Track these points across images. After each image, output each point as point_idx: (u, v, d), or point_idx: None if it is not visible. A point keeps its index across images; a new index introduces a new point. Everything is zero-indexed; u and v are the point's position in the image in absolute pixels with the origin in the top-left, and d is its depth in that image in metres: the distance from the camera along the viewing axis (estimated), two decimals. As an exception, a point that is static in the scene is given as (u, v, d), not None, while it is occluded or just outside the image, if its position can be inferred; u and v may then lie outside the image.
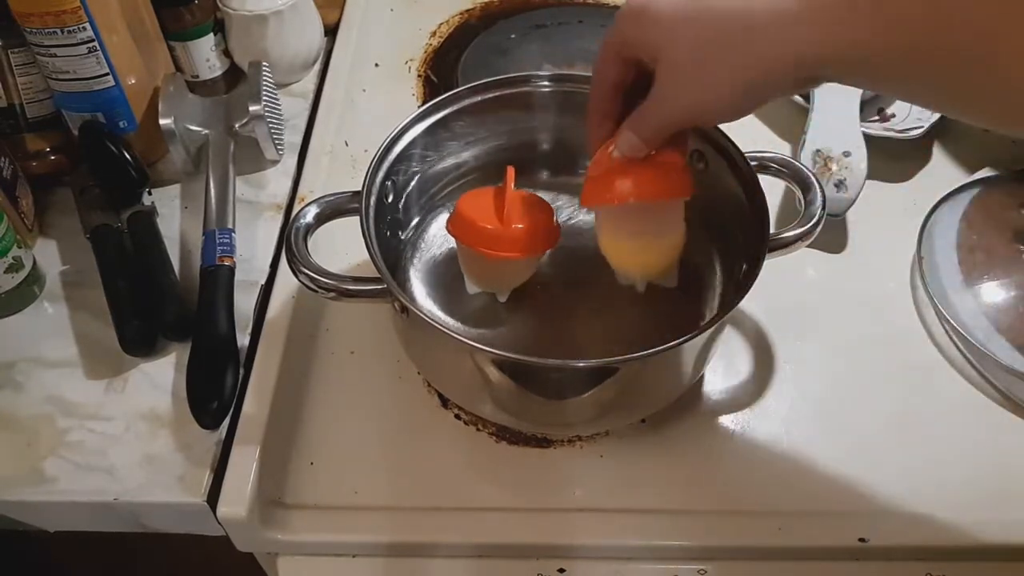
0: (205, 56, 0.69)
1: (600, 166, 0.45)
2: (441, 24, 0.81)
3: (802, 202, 0.50)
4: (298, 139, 0.70)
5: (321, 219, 0.49)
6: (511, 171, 0.50)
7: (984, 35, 0.31)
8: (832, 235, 0.62)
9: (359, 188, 0.49)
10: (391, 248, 0.54)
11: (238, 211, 0.61)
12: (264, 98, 0.64)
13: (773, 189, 0.59)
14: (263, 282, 0.59)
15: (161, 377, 0.54)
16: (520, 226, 0.48)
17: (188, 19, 0.67)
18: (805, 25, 0.34)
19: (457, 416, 0.53)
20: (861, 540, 0.47)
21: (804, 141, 0.63)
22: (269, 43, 0.70)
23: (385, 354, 0.55)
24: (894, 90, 0.40)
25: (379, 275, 0.45)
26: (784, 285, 0.58)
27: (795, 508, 0.49)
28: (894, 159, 0.66)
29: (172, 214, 0.64)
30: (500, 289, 0.52)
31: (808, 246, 0.49)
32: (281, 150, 0.67)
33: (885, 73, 0.35)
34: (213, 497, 0.48)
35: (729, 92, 0.38)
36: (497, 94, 0.55)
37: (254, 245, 0.61)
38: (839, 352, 0.56)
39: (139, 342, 0.54)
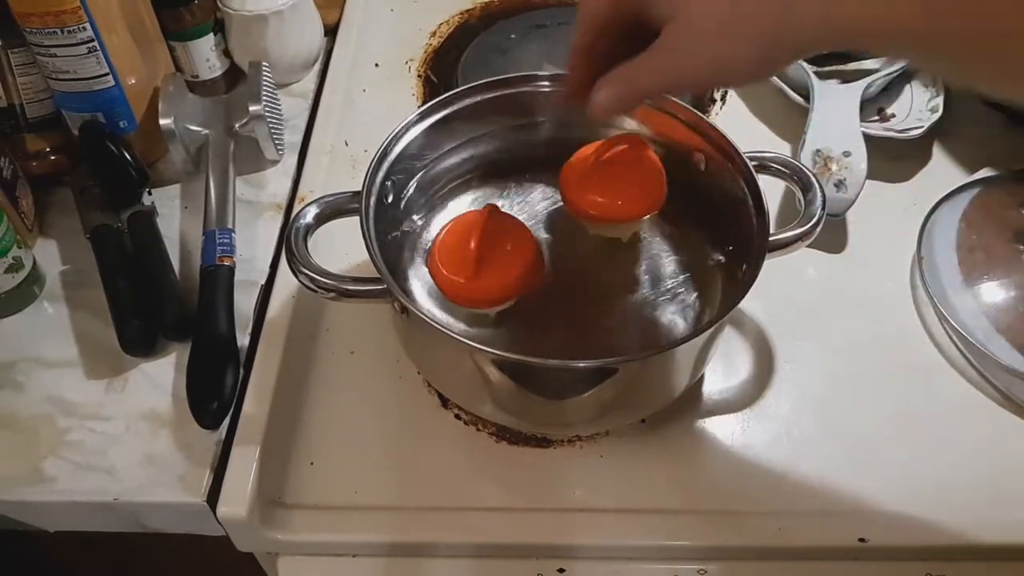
0: (205, 56, 0.69)
1: (590, 185, 0.50)
2: (441, 24, 0.81)
3: (802, 202, 0.50)
4: (298, 139, 0.70)
5: (321, 219, 0.49)
6: (487, 212, 0.48)
7: None
8: (832, 235, 0.62)
9: (359, 188, 0.49)
10: (391, 248, 0.54)
11: (238, 211, 0.61)
12: (264, 98, 0.64)
13: (773, 189, 0.59)
14: (263, 282, 0.59)
15: (161, 377, 0.54)
16: (491, 277, 0.47)
17: (188, 19, 0.67)
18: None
19: (457, 416, 0.53)
20: (861, 540, 0.47)
21: (804, 141, 0.63)
22: (269, 43, 0.70)
23: (385, 354, 0.55)
24: (938, 71, 0.37)
25: (379, 275, 0.45)
26: (784, 285, 0.58)
27: (795, 508, 0.49)
28: (894, 159, 0.66)
29: (172, 214, 0.64)
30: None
31: (808, 246, 0.49)
32: (281, 150, 0.67)
33: (929, 52, 0.33)
34: (213, 497, 0.48)
35: (756, 56, 0.35)
36: (497, 94, 0.55)
37: (254, 245, 0.61)
38: (839, 352, 0.56)
39: (139, 342, 0.54)
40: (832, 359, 0.56)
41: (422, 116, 0.53)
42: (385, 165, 0.51)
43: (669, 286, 0.54)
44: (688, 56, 0.36)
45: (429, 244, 0.56)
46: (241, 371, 0.53)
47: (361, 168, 0.50)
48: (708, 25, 0.34)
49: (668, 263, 0.55)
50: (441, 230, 0.50)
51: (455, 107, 0.55)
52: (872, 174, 0.61)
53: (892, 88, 0.70)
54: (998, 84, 0.34)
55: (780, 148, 0.67)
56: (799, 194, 0.50)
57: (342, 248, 0.59)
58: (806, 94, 0.67)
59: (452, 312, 0.53)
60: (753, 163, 0.50)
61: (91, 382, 0.54)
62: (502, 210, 0.51)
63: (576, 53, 0.40)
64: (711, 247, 0.55)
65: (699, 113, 0.53)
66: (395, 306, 0.47)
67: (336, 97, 0.71)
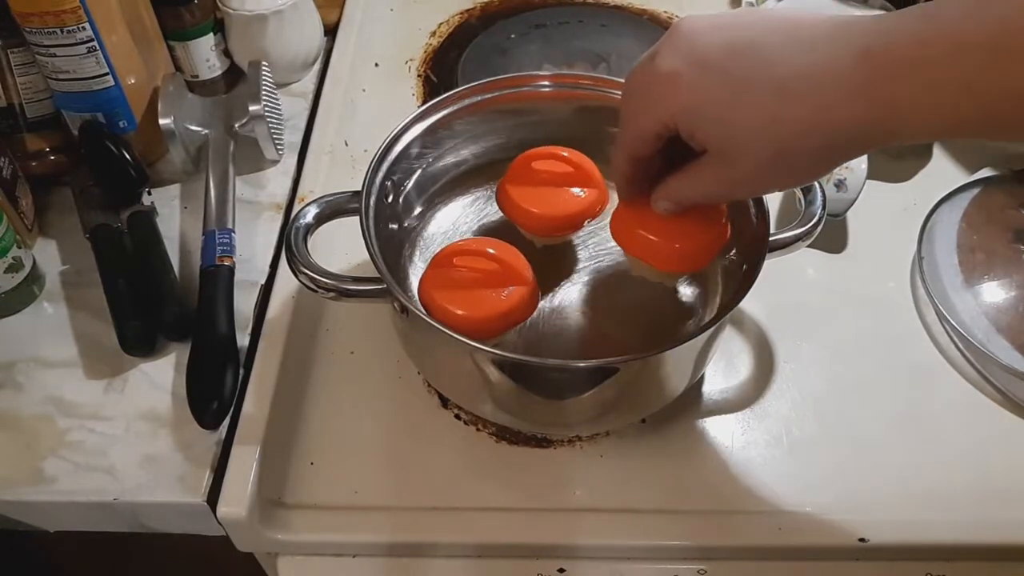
0: (205, 56, 0.69)
1: (652, 226, 0.46)
2: (441, 24, 0.81)
3: (802, 202, 0.50)
4: (298, 139, 0.70)
5: (321, 219, 0.49)
6: (483, 244, 0.48)
7: None
8: (832, 235, 0.62)
9: (359, 188, 0.49)
10: (391, 248, 0.54)
11: (238, 211, 0.61)
12: (264, 98, 0.64)
13: (773, 189, 0.59)
14: (263, 282, 0.59)
15: (161, 377, 0.54)
16: (483, 311, 0.46)
17: (188, 19, 0.67)
18: (876, 121, 0.34)
19: (457, 416, 0.53)
20: (861, 540, 0.47)
21: (804, 141, 0.63)
22: (269, 43, 0.70)
23: (385, 354, 0.55)
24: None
25: (379, 275, 0.45)
26: (784, 285, 0.58)
27: (795, 508, 0.49)
28: (894, 159, 0.66)
29: (172, 214, 0.64)
30: None
31: (808, 246, 0.49)
32: (281, 150, 0.67)
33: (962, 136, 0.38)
34: (213, 497, 0.48)
35: (794, 183, 0.41)
36: (497, 94, 0.55)
37: (254, 245, 0.61)
38: (839, 352, 0.56)
39: (139, 342, 0.54)
40: (832, 359, 0.56)
41: (422, 116, 0.53)
42: (385, 165, 0.51)
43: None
44: (725, 187, 0.40)
45: (427, 254, 0.56)
46: (241, 371, 0.53)
47: (361, 168, 0.50)
48: (748, 164, 0.37)
49: (668, 263, 0.55)
50: (432, 261, 0.49)
51: (455, 107, 0.55)
52: (872, 174, 0.61)
53: (892, 88, 0.70)
54: None
55: (780, 148, 0.67)
56: (799, 194, 0.50)
57: (342, 248, 0.59)
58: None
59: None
60: (753, 163, 0.50)
61: (91, 382, 0.54)
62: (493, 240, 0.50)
63: (625, 184, 0.44)
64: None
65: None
66: (395, 306, 0.47)
67: (336, 97, 0.71)
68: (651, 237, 0.46)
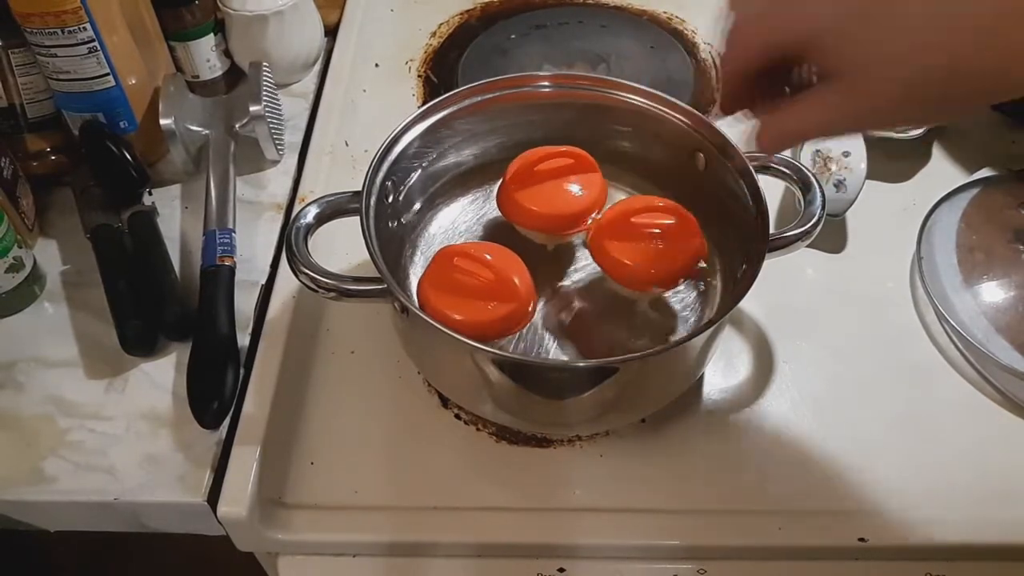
0: (205, 56, 0.70)
1: (626, 247, 0.47)
2: (441, 24, 0.81)
3: (802, 202, 0.50)
4: (298, 139, 0.70)
5: (321, 219, 0.49)
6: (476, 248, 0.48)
7: None
8: (832, 235, 0.62)
9: (359, 188, 0.49)
10: (391, 248, 0.54)
11: (238, 211, 0.61)
12: (264, 98, 0.64)
13: (773, 189, 0.59)
14: (263, 282, 0.59)
15: (161, 377, 0.54)
16: (475, 318, 0.46)
17: (188, 19, 0.67)
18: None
19: (457, 416, 0.53)
20: (861, 540, 0.47)
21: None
22: (269, 43, 0.70)
23: (385, 354, 0.56)
24: None
25: (379, 275, 0.45)
26: (784, 285, 0.58)
27: (795, 508, 0.49)
28: (893, 159, 0.66)
29: (172, 214, 0.64)
30: None
31: (808, 246, 0.49)
32: (281, 150, 0.67)
33: None
34: (213, 497, 0.48)
35: (927, 119, 0.36)
36: (497, 94, 0.55)
37: (254, 245, 0.61)
38: (838, 352, 0.56)
39: (139, 342, 0.54)
40: (831, 359, 0.56)
41: (422, 116, 0.53)
42: (385, 165, 0.51)
43: (669, 286, 0.54)
44: (856, 117, 0.35)
45: (427, 254, 0.56)
46: (241, 371, 0.53)
47: (361, 168, 0.50)
48: (890, 91, 0.33)
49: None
50: (435, 256, 0.49)
51: (455, 107, 0.55)
52: (872, 174, 0.61)
53: (892, 88, 0.70)
54: None
55: (780, 148, 0.67)
56: (799, 194, 0.50)
57: (342, 248, 0.59)
58: (806, 94, 0.67)
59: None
60: (753, 163, 0.50)
61: (91, 382, 0.54)
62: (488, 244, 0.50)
63: (731, 101, 0.40)
64: (711, 247, 0.55)
65: (699, 113, 0.53)
66: (395, 306, 0.47)
67: (336, 97, 0.71)
68: (625, 262, 0.47)
